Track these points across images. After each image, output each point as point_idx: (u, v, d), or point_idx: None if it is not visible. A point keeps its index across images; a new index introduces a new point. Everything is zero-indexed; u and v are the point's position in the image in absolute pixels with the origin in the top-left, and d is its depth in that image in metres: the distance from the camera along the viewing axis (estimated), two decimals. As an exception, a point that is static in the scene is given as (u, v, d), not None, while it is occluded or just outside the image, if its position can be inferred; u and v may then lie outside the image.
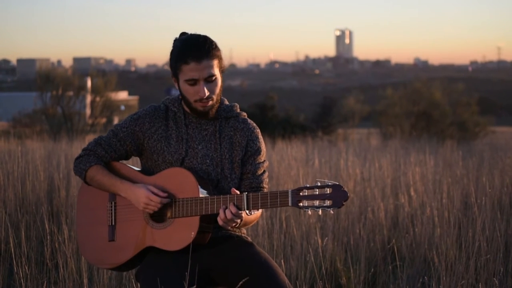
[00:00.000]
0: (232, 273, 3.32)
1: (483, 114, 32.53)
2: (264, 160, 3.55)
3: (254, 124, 3.57)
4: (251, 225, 3.55)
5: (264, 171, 3.54)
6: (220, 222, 3.24)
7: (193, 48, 3.34)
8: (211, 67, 3.36)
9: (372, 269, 5.36)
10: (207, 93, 3.35)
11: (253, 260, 3.34)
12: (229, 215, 3.21)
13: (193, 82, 3.36)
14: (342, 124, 33.45)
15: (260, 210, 3.46)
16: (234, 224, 3.27)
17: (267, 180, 3.55)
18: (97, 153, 3.49)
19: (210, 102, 3.40)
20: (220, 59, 3.42)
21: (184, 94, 3.41)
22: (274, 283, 3.24)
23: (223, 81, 3.49)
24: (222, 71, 3.46)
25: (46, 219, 5.51)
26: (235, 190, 3.25)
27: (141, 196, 3.33)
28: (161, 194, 3.32)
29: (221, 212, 3.23)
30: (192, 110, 3.43)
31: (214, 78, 3.38)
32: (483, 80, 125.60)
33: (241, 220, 3.31)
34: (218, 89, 3.41)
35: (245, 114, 3.58)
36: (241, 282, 3.24)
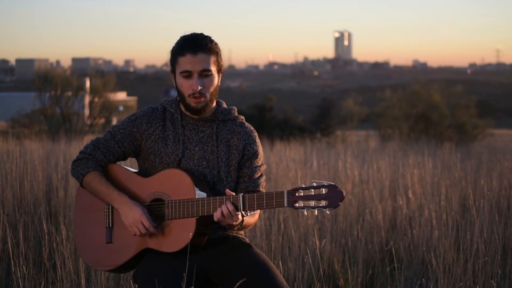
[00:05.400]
0: (229, 274, 3.32)
1: (481, 116, 32.52)
2: (261, 164, 3.55)
3: (252, 128, 3.57)
4: (249, 227, 3.55)
5: (261, 175, 3.53)
6: (216, 218, 3.25)
7: (191, 41, 3.39)
8: (207, 61, 3.38)
9: (370, 271, 5.37)
10: (199, 87, 3.36)
11: (251, 261, 3.34)
12: (225, 211, 3.21)
13: (187, 74, 3.38)
14: (340, 125, 33.41)
15: (258, 212, 3.46)
16: (234, 224, 3.27)
17: (264, 183, 3.55)
18: (96, 157, 3.49)
19: (203, 99, 3.39)
20: (218, 57, 3.44)
21: (179, 88, 3.43)
22: (272, 284, 3.25)
23: (220, 81, 3.50)
24: (219, 70, 3.47)
25: (44, 219, 5.51)
26: (229, 191, 3.25)
27: (135, 215, 3.33)
28: (152, 222, 3.34)
29: (218, 210, 3.23)
30: (186, 107, 3.44)
31: (209, 73, 3.39)
32: (481, 82, 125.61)
33: (241, 223, 3.31)
34: (212, 87, 3.41)
35: (242, 117, 3.59)
36: (238, 283, 3.24)
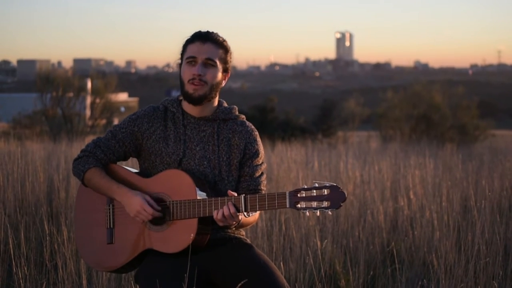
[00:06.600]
0: (231, 275, 3.32)
1: (483, 117, 32.47)
2: (262, 162, 3.56)
3: (253, 127, 3.58)
4: (249, 226, 3.56)
5: (262, 173, 3.54)
6: (216, 219, 3.25)
7: (203, 32, 3.46)
8: (214, 52, 3.42)
9: (371, 272, 5.37)
10: (200, 74, 3.38)
11: (252, 262, 3.35)
12: (226, 212, 3.22)
13: (192, 59, 3.41)
14: (342, 126, 33.37)
15: (258, 212, 3.47)
16: (232, 223, 3.27)
17: (265, 182, 3.57)
18: (96, 155, 3.50)
19: (201, 87, 3.41)
20: (226, 55, 3.48)
21: (181, 75, 3.45)
22: (273, 285, 3.25)
23: (224, 82, 3.51)
24: (226, 70, 3.49)
25: (46, 220, 5.51)
26: (231, 192, 3.26)
27: (136, 204, 3.33)
28: (156, 206, 3.33)
29: (219, 210, 3.24)
30: (185, 95, 3.45)
31: (213, 64, 3.42)
32: (483, 83, 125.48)
33: (239, 222, 3.31)
34: (214, 79, 3.43)
35: (243, 116, 3.59)
36: (240, 284, 3.24)
